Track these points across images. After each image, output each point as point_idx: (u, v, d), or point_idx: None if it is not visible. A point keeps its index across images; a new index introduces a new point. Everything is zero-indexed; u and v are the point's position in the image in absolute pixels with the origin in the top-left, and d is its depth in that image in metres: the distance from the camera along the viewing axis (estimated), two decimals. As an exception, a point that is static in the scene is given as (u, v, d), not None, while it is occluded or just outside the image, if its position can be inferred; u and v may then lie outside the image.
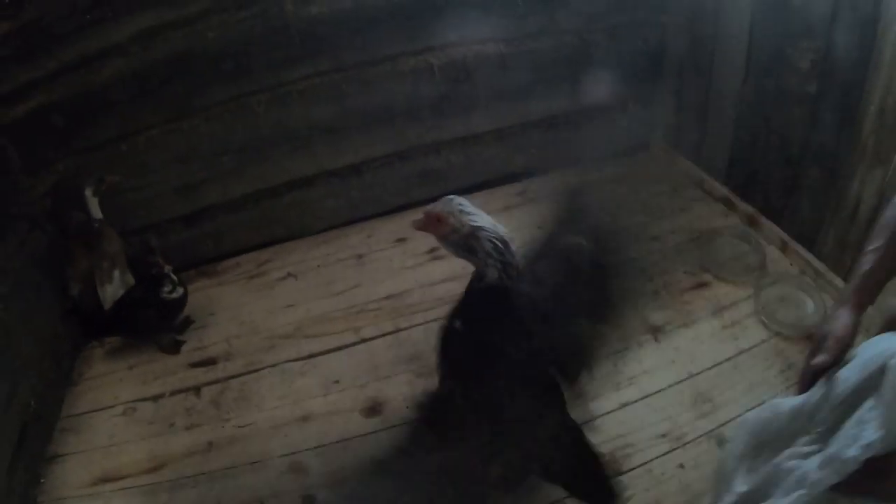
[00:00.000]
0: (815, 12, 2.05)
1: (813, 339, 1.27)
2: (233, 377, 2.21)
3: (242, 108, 2.49)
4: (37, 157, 2.43)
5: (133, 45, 2.33)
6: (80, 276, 2.39)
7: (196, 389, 2.20)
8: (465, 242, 1.28)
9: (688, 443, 1.80)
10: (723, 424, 1.83)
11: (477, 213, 1.29)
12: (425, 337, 2.12)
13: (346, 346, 2.26)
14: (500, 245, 1.26)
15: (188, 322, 2.46)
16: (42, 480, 2.04)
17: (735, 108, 2.57)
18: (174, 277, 2.31)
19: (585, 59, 2.74)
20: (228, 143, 2.54)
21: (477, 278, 1.30)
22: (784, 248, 2.40)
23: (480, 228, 1.26)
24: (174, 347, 2.36)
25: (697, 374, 2.00)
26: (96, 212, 2.40)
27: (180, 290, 2.32)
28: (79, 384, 2.33)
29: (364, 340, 2.27)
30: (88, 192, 2.39)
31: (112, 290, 2.36)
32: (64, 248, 2.46)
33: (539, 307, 1.32)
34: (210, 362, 2.30)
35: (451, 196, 1.32)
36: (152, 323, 2.35)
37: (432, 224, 1.33)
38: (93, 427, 2.18)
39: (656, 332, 2.14)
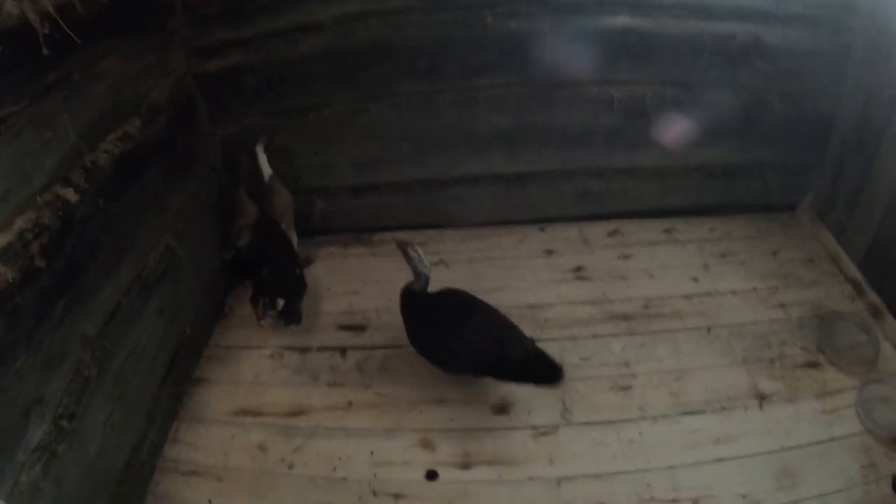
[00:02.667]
0: None
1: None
2: (378, 348, 2.56)
3: (428, 103, 2.81)
4: (223, 110, 2.78)
5: (334, 26, 2.63)
6: (248, 226, 2.68)
7: (342, 350, 2.56)
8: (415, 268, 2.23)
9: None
10: (799, 500, 2.09)
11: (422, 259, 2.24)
12: (559, 353, 2.44)
13: None
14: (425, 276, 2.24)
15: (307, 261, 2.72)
16: (184, 399, 2.42)
17: (890, 194, 2.70)
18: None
19: (756, 116, 2.97)
20: (409, 132, 2.88)
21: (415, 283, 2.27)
22: None
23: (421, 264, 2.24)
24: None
25: (789, 448, 2.25)
26: (266, 167, 2.72)
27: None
28: (231, 319, 2.69)
29: None
30: (259, 149, 2.71)
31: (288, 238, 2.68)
32: (235, 199, 2.77)
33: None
34: (358, 328, 2.65)
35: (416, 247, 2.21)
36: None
37: (404, 246, 2.24)
38: (240, 361, 2.56)
39: (763, 399, 2.41)
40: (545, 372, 2.22)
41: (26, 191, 1.68)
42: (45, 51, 1.77)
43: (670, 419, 2.34)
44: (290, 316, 2.53)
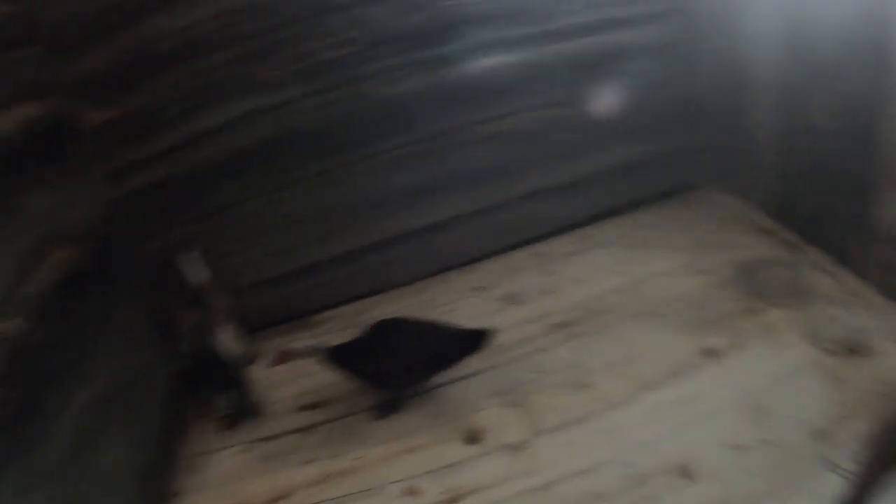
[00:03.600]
0: (841, 54, 2.48)
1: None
2: (340, 417, 2.62)
3: (336, 179, 2.96)
4: (144, 228, 2.86)
5: (233, 127, 2.77)
6: (191, 333, 2.72)
7: (308, 429, 2.60)
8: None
9: (748, 449, 2.18)
10: (778, 431, 2.21)
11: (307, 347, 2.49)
12: (513, 373, 2.64)
13: (442, 385, 2.64)
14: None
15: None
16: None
17: (771, 145, 3.01)
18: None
19: (637, 115, 3.23)
20: (324, 210, 3.01)
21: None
22: (827, 272, 2.82)
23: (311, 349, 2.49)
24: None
25: (753, 389, 2.38)
26: (198, 275, 2.78)
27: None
28: (194, 427, 2.70)
29: (457, 380, 2.65)
30: (188, 259, 2.78)
31: (226, 342, 2.71)
32: (175, 310, 2.81)
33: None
34: (318, 405, 2.70)
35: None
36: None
37: (283, 356, 2.42)
38: (213, 465, 2.57)
39: (714, 355, 2.54)
40: (477, 338, 2.48)
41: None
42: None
43: (634, 400, 2.43)
44: (249, 412, 2.65)
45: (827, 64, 2.56)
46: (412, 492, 2.27)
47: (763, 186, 3.18)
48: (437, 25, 2.82)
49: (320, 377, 2.68)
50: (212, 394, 2.65)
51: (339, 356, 2.52)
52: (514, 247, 3.42)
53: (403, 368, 2.52)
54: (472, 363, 2.61)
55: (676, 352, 2.58)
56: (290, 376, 2.82)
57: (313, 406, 2.71)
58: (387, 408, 2.59)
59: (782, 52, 2.78)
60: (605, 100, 3.14)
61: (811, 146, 2.79)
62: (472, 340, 2.51)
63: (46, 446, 1.87)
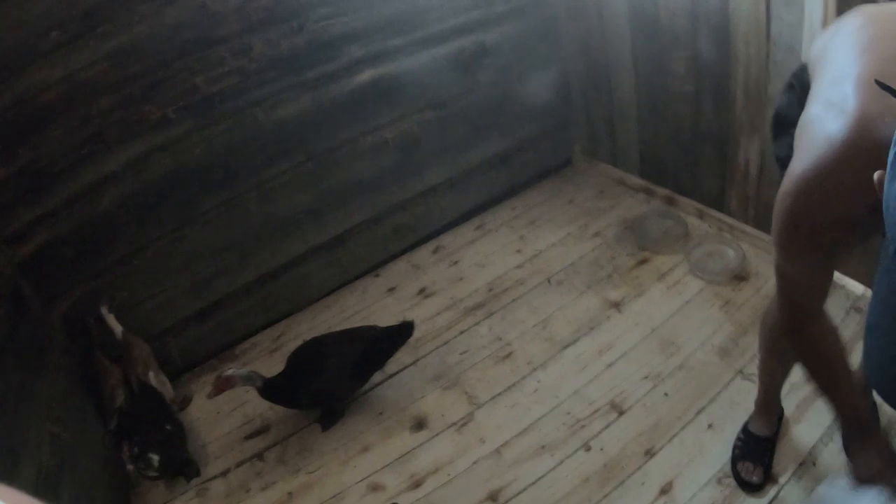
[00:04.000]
0: (681, 26, 2.79)
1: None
2: (287, 437, 2.67)
3: (235, 208, 2.98)
4: (51, 288, 2.78)
5: (127, 171, 2.74)
6: (118, 386, 2.69)
7: (259, 455, 2.64)
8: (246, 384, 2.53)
9: (665, 377, 2.49)
10: (687, 357, 2.53)
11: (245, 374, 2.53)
12: (441, 358, 2.82)
13: (378, 384, 2.78)
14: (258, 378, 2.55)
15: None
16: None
17: (634, 113, 3.31)
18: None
19: (506, 104, 3.48)
20: (228, 241, 3.03)
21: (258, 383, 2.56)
22: (700, 215, 3.19)
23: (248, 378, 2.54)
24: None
25: (657, 327, 2.70)
26: (116, 325, 2.77)
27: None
28: (142, 484, 2.64)
29: (391, 376, 2.80)
30: (104, 310, 2.76)
31: (155, 388, 2.73)
32: (95, 366, 2.77)
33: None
34: (262, 431, 2.74)
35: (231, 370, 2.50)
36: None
37: (223, 384, 2.48)
38: None
39: (618, 305, 2.83)
40: (402, 330, 2.67)
41: None
42: None
43: (556, 358, 2.69)
44: (185, 470, 2.59)
45: (674, 35, 2.86)
46: (376, 487, 2.39)
47: (633, 151, 3.49)
48: (315, 46, 2.91)
49: (258, 403, 2.72)
50: (143, 449, 2.48)
51: (272, 392, 2.59)
52: (415, 245, 3.57)
53: (337, 383, 2.62)
54: (401, 359, 2.78)
55: (584, 310, 2.86)
56: (228, 408, 2.87)
57: (258, 432, 2.74)
58: (329, 418, 2.68)
59: (633, 29, 3.07)
60: (477, 94, 3.37)
61: (671, 109, 3.10)
62: (397, 333, 2.67)
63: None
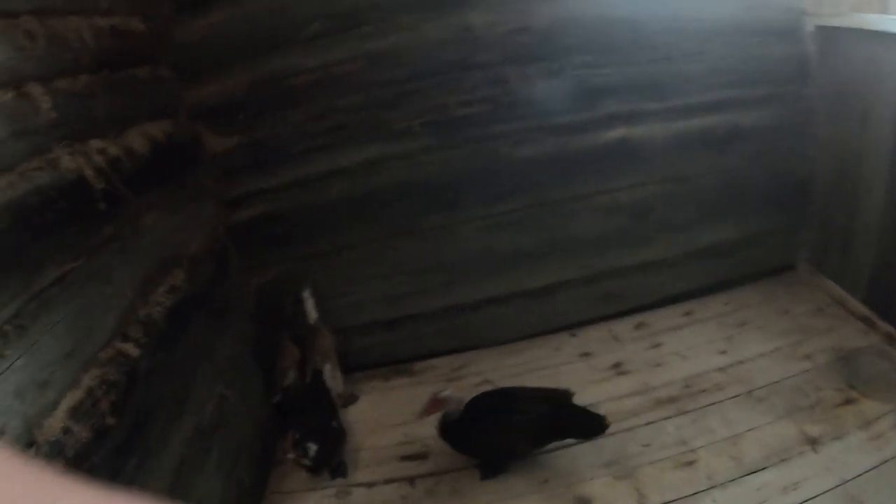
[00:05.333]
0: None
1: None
2: (445, 472, 2.71)
3: (454, 233, 3.08)
4: (254, 259, 2.96)
5: (358, 170, 2.89)
6: (291, 367, 2.81)
7: (410, 480, 2.69)
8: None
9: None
10: None
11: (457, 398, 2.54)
12: (621, 445, 2.74)
13: (549, 451, 2.74)
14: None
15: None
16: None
17: (876, 232, 3.11)
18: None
19: (745, 192, 3.39)
20: (437, 262, 3.13)
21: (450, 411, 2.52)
22: None
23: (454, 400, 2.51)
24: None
25: (849, 480, 2.52)
26: (312, 311, 2.91)
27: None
28: (286, 464, 2.73)
29: (564, 447, 2.74)
30: (306, 293, 2.90)
31: (328, 380, 2.82)
32: (278, 342, 2.91)
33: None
34: (420, 456, 2.79)
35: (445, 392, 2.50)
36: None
37: (437, 405, 2.50)
38: None
39: (814, 443, 2.69)
40: (593, 422, 2.56)
41: (90, 347, 1.70)
42: (101, 205, 1.86)
43: (737, 482, 2.57)
44: (335, 469, 2.70)
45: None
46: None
47: (863, 273, 3.29)
48: (571, 92, 2.95)
49: (423, 426, 2.74)
50: (304, 437, 2.58)
51: (447, 428, 2.60)
52: (619, 315, 3.56)
53: (517, 442, 2.62)
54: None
55: (779, 437, 2.72)
56: (391, 421, 2.94)
57: (416, 457, 2.80)
58: (492, 469, 2.69)
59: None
60: (720, 177, 3.32)
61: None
62: (588, 422, 2.61)
63: (154, 472, 1.90)
